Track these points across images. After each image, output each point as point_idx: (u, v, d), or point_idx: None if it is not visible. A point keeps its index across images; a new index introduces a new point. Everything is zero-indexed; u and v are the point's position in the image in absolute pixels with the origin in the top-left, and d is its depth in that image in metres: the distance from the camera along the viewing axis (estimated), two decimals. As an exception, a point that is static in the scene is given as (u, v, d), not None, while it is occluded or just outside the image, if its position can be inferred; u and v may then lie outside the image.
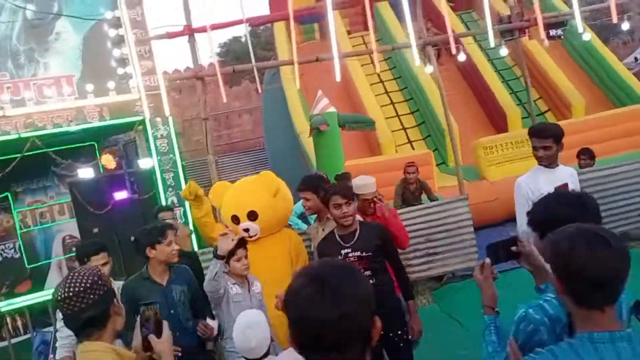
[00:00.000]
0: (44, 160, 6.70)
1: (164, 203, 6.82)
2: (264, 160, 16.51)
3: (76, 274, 1.90)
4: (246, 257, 3.64)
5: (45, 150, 6.22)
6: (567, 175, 3.64)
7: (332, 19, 6.39)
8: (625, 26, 7.61)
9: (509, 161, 9.29)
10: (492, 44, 6.59)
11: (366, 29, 15.53)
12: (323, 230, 3.91)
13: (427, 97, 11.90)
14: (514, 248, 1.91)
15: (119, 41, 6.81)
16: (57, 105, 6.35)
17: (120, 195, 7.41)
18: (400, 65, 13.14)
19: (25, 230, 8.68)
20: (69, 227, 8.88)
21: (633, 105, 10.57)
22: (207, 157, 6.83)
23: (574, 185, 3.54)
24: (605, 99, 12.01)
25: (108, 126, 6.66)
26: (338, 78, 6.91)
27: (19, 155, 6.06)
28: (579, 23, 6.54)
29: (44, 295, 7.40)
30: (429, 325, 3.77)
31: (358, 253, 3.21)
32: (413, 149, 11.81)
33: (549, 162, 3.55)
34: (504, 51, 7.03)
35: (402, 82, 13.30)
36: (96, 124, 6.50)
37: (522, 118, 11.55)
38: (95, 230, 7.62)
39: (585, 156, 6.73)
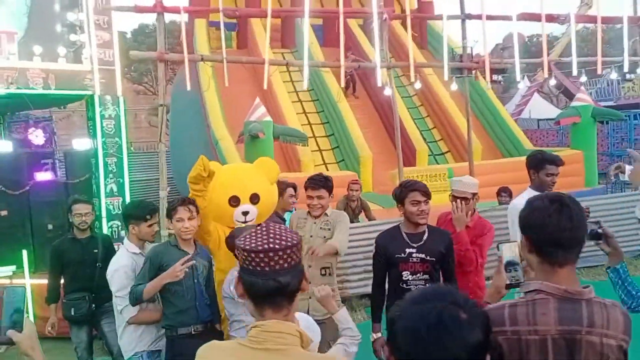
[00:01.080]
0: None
1: (102, 189, 6.19)
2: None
3: (283, 229, 1.60)
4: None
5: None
6: None
7: (307, 30, 6.42)
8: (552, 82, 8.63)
9: (423, 193, 9.93)
10: (446, 77, 7.11)
11: (284, 46, 15.87)
12: (315, 224, 3.91)
13: (344, 123, 12.32)
14: (599, 230, 2.17)
15: (74, 5, 6.15)
16: (-2, 62, 5.52)
17: (43, 176, 6.58)
18: (319, 89, 13.46)
19: None
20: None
21: (520, 157, 11.98)
22: (157, 147, 6.40)
23: None
24: (495, 147, 13.42)
25: (50, 95, 5.91)
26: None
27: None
28: (517, 72, 7.34)
29: None
30: (366, 340, 3.76)
31: (422, 255, 3.25)
32: (327, 170, 12.09)
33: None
34: (454, 86, 7.59)
35: (319, 105, 13.61)
36: (39, 91, 5.74)
37: (428, 155, 12.47)
38: (4, 212, 6.65)
39: (505, 194, 7.47)
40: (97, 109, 6.11)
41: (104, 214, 6.20)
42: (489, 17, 7.20)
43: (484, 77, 7.43)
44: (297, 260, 1.55)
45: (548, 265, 1.67)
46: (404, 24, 13.50)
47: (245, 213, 3.82)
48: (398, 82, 14.37)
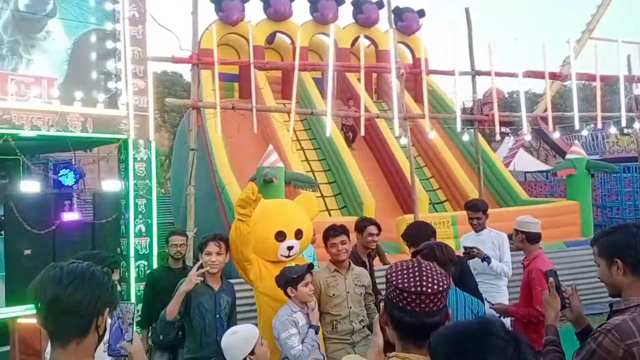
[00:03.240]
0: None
1: (131, 229, 6.32)
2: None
3: (435, 270, 1.62)
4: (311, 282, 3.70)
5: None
6: (489, 237, 5.05)
7: (331, 82, 6.82)
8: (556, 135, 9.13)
9: (427, 239, 10.20)
10: (459, 129, 7.51)
11: (284, 97, 16.37)
12: (346, 279, 4.09)
13: (347, 170, 12.65)
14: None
15: (113, 54, 6.46)
16: (41, 106, 5.74)
17: (70, 216, 6.69)
18: (321, 137, 13.86)
19: None
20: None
21: (517, 207, 12.36)
22: (187, 189, 6.59)
23: (496, 246, 4.97)
24: (492, 197, 13.81)
25: (88, 139, 6.13)
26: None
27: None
28: (524, 124, 7.78)
29: None
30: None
31: None
32: (330, 216, 12.30)
33: (480, 229, 5.05)
34: (465, 137, 7.99)
35: (321, 153, 13.98)
36: (77, 134, 5.96)
37: (428, 204, 12.79)
38: (28, 252, 6.72)
39: (510, 240, 7.77)
40: (131, 152, 6.32)
41: (132, 253, 6.31)
42: (497, 74, 7.69)
43: (492, 130, 7.85)
44: (445, 302, 1.60)
45: None
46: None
47: (290, 248, 3.96)
48: (394, 134, 14.91)
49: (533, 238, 4.00)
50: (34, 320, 5.25)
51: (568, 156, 12.06)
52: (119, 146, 6.46)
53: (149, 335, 4.72)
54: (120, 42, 6.38)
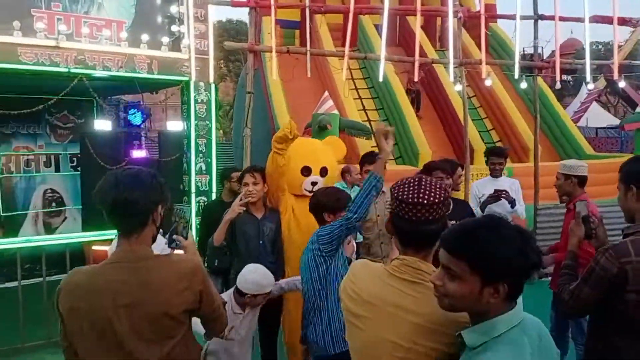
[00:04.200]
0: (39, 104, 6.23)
1: (192, 167, 6.75)
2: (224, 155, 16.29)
3: (433, 185, 1.77)
4: None
5: (88, 94, 5.96)
6: (507, 184, 5.28)
7: (385, 27, 6.81)
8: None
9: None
10: (517, 76, 7.35)
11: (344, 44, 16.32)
12: (377, 203, 4.25)
13: (404, 119, 12.63)
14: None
15: (176, -1, 6.74)
16: (111, 48, 6.15)
17: (138, 153, 7.21)
18: (380, 86, 13.84)
19: (6, 175, 8.09)
20: (52, 180, 8.42)
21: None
22: (243, 131, 6.90)
23: (513, 191, 5.17)
24: (553, 149, 13.43)
25: (153, 80, 6.52)
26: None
27: (66, 90, 5.78)
28: (588, 73, 7.50)
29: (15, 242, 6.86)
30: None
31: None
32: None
33: (500, 175, 5.37)
34: (523, 84, 7.82)
35: (378, 102, 14.01)
36: (144, 75, 6.35)
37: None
38: (100, 185, 7.32)
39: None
40: (192, 94, 6.68)
41: (192, 189, 6.76)
42: (562, 18, 7.38)
43: (553, 78, 7.62)
44: (442, 213, 1.74)
45: None
46: (467, 24, 13.78)
47: (314, 183, 4.08)
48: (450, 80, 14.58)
49: (583, 181, 4.02)
50: (106, 247, 5.78)
51: (638, 109, 11.51)
52: (182, 88, 6.82)
53: (205, 261, 5.06)
54: (183, -13, 6.64)
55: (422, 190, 1.70)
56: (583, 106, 21.78)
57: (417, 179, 1.76)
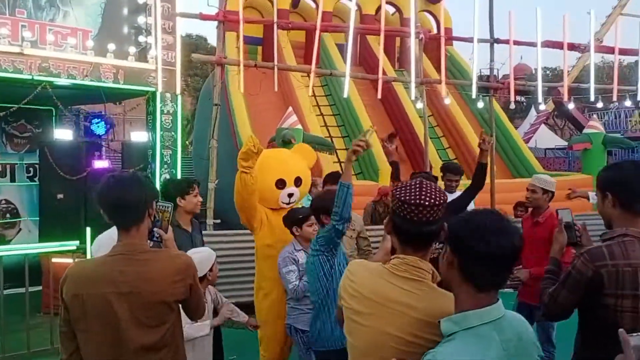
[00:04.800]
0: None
1: (157, 179, 6.70)
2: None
3: (434, 187, 1.87)
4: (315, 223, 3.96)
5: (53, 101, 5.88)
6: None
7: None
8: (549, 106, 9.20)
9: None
10: (474, 95, 7.69)
11: (306, 62, 16.55)
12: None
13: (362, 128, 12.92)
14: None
15: (144, 9, 6.75)
16: (77, 56, 6.09)
17: (101, 164, 7.11)
18: (340, 101, 14.09)
19: (-42, 184, 7.81)
20: (7, 191, 8.17)
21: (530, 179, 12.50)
22: (209, 143, 6.93)
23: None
24: (505, 167, 13.97)
25: (119, 89, 6.48)
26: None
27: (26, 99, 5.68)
28: (539, 95, 7.94)
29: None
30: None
31: None
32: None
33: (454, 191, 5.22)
34: (480, 104, 8.17)
35: (339, 119, 14.25)
36: (109, 84, 6.31)
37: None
38: (60, 196, 7.19)
39: (522, 208, 8.02)
40: (158, 105, 6.67)
41: (156, 201, 6.70)
42: (516, 42, 7.80)
43: (507, 99, 8.02)
44: (440, 215, 1.82)
45: (631, 215, 2.17)
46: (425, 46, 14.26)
47: (290, 195, 4.07)
48: (420, 112, 15.02)
49: (553, 197, 4.26)
50: (68, 260, 5.63)
51: (585, 130, 12.13)
52: (147, 98, 6.80)
53: None
54: (151, -2, 6.66)
55: (423, 193, 1.79)
56: (532, 128, 22.74)
57: (418, 182, 1.86)
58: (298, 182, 4.14)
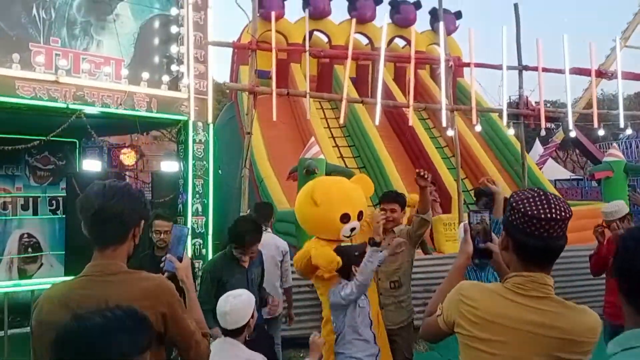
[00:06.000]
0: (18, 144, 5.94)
1: (190, 210, 6.54)
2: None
3: (560, 200, 1.72)
4: None
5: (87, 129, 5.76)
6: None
7: (382, 74, 6.97)
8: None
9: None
10: (505, 122, 7.62)
11: (319, 92, 16.63)
12: (388, 244, 4.16)
13: (382, 165, 12.80)
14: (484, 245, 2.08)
15: (176, 38, 6.71)
16: (111, 85, 6.00)
17: (129, 194, 6.94)
18: (355, 133, 14.04)
19: (-19, 218, 7.62)
20: (29, 224, 7.98)
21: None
22: (242, 172, 6.79)
23: None
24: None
25: (152, 118, 6.37)
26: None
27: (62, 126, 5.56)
28: (570, 121, 7.86)
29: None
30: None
31: None
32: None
33: None
34: (511, 131, 8.09)
35: (355, 150, 14.18)
36: (143, 113, 6.21)
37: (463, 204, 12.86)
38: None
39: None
40: (190, 134, 6.56)
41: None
42: (544, 70, 7.77)
43: (538, 125, 7.95)
44: (566, 229, 1.69)
45: None
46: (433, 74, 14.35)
47: (352, 229, 3.93)
48: (430, 133, 15.01)
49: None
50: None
51: (606, 159, 12.05)
52: (179, 128, 6.69)
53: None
54: (184, 27, 6.63)
55: (552, 205, 1.65)
56: (542, 159, 22.70)
57: (542, 193, 1.71)
58: (360, 216, 4.01)
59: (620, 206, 4.17)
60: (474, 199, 5.34)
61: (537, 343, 1.60)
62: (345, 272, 3.62)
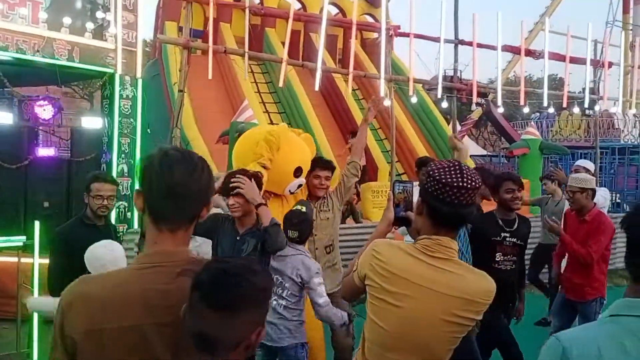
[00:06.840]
0: None
1: (114, 169, 6.09)
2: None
3: (472, 170, 1.83)
4: None
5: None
6: None
7: (323, 38, 6.76)
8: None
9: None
10: (439, 95, 7.73)
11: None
12: (320, 211, 3.99)
13: (307, 122, 12.75)
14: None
15: (102, -17, 6.14)
16: (27, 29, 5.38)
17: (45, 151, 6.36)
18: (286, 94, 13.87)
19: None
20: None
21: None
22: (173, 132, 6.39)
23: None
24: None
25: (74, 69, 5.81)
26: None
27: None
28: (499, 98, 8.12)
29: None
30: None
31: (515, 240, 3.66)
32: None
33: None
34: (445, 104, 8.22)
35: (280, 107, 14.12)
36: (63, 62, 5.64)
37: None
38: (-3, 186, 6.33)
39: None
40: (117, 88, 6.07)
41: (112, 194, 6.08)
42: (479, 45, 7.91)
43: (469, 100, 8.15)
44: (475, 198, 1.83)
45: None
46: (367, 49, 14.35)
47: (299, 185, 3.85)
48: (360, 104, 15.05)
49: (594, 194, 4.25)
50: (10, 259, 4.90)
51: (523, 136, 12.68)
52: (104, 81, 6.17)
53: None
54: (111, -29, 6.06)
55: (464, 175, 1.75)
56: (460, 135, 23.59)
57: (456, 164, 1.81)
58: (302, 172, 3.85)
59: (589, 178, 4.29)
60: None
61: (437, 299, 1.75)
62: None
